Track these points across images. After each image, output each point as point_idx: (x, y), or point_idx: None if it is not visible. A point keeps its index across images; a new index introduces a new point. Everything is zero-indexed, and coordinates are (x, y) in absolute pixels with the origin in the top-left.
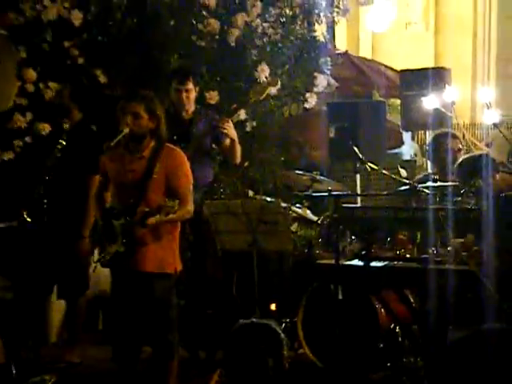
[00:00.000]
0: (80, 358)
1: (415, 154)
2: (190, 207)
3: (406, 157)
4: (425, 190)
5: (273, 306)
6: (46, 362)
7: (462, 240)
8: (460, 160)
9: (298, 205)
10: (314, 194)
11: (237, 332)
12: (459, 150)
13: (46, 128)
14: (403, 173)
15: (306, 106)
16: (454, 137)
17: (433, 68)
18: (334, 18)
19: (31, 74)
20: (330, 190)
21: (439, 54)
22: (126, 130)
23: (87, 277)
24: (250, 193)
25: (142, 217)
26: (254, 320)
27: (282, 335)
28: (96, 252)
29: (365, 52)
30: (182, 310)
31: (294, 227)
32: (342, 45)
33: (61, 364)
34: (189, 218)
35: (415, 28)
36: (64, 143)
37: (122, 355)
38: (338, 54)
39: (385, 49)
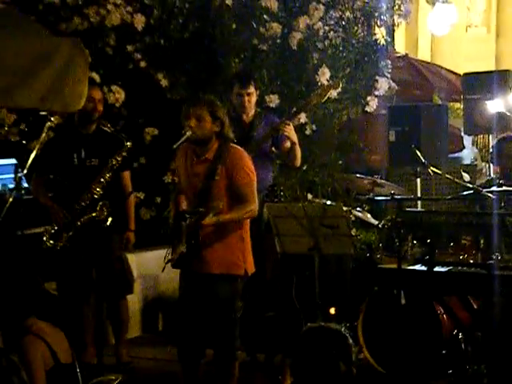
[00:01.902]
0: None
1: (475, 159)
2: (254, 206)
3: (467, 161)
4: (489, 194)
5: (332, 310)
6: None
7: None
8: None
9: (358, 208)
10: (377, 198)
11: (306, 336)
12: None
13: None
14: (466, 177)
15: (367, 109)
16: None
17: (497, 71)
18: (394, 20)
19: (95, 77)
20: (393, 194)
21: (500, 57)
22: (189, 134)
23: (131, 276)
24: (310, 196)
25: (197, 218)
26: (323, 324)
27: (351, 340)
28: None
29: (424, 55)
30: (243, 312)
31: (353, 231)
32: (400, 48)
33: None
34: (253, 216)
35: (476, 31)
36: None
37: (186, 356)
38: (399, 56)
39: (444, 51)
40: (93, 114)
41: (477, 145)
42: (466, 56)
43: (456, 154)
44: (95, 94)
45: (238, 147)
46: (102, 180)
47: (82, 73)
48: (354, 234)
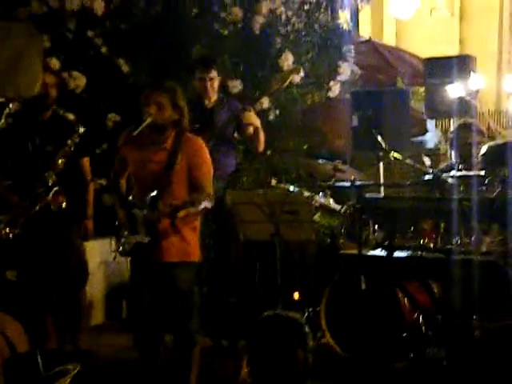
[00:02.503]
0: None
1: (439, 142)
2: (211, 196)
3: (430, 145)
4: (449, 179)
5: (296, 296)
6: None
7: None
8: (485, 148)
9: (321, 194)
10: (337, 184)
11: (262, 324)
12: (481, 142)
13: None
14: (427, 161)
15: (330, 94)
16: (477, 129)
17: (457, 56)
18: (357, 5)
19: (54, 63)
20: (353, 180)
21: (464, 40)
22: (149, 120)
23: (86, 265)
24: (273, 181)
25: (172, 210)
26: (279, 312)
27: (307, 328)
28: (112, 241)
29: (389, 39)
30: (206, 297)
31: (317, 216)
32: (365, 32)
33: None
34: (210, 207)
35: (440, 14)
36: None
37: (144, 343)
38: (362, 41)
39: (409, 35)
40: (45, 99)
41: (441, 128)
42: (431, 39)
43: (420, 138)
44: (47, 78)
45: (197, 137)
46: (55, 167)
47: (35, 58)
48: (317, 219)
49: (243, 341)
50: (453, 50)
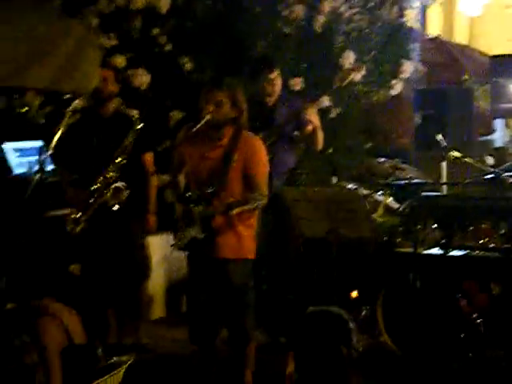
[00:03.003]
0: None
1: (509, 141)
2: (265, 196)
3: (499, 144)
4: (511, 178)
5: (354, 294)
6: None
7: None
8: None
9: (380, 192)
10: (394, 182)
11: (307, 320)
12: None
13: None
14: (490, 160)
15: (392, 92)
16: None
17: None
18: (425, 2)
19: (121, 60)
20: (410, 178)
21: None
22: (208, 117)
23: (148, 261)
24: (334, 179)
25: (226, 207)
26: (324, 308)
27: (351, 324)
28: (171, 236)
29: (460, 37)
30: (264, 294)
31: (378, 214)
32: (436, 30)
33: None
34: (263, 206)
35: None
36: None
37: (200, 337)
38: (429, 39)
39: (482, 33)
40: (101, 94)
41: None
42: (506, 37)
43: (489, 137)
44: (105, 74)
45: (254, 135)
46: (116, 162)
47: (93, 54)
48: (377, 218)
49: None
50: None
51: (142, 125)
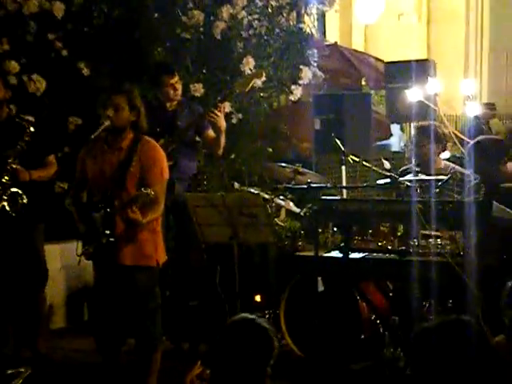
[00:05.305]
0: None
1: (405, 146)
2: (162, 206)
3: (395, 148)
4: (406, 182)
5: (257, 298)
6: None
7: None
8: (477, 140)
9: (281, 197)
10: (293, 187)
11: (230, 329)
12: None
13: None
14: (387, 165)
15: (291, 98)
16: (435, 132)
17: (416, 60)
18: (322, 9)
19: (14, 65)
20: (310, 183)
21: (431, 45)
22: (107, 123)
23: (46, 269)
24: (236, 185)
25: (121, 207)
26: (254, 319)
27: (276, 342)
28: (79, 245)
29: (357, 43)
30: (167, 301)
31: (280, 219)
32: (334, 36)
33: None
34: (160, 214)
35: (408, 19)
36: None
37: (106, 346)
38: (327, 45)
39: (378, 40)
40: None
41: (406, 132)
42: (399, 44)
43: (386, 142)
44: None
45: (154, 141)
46: (9, 168)
47: None
48: (279, 222)
49: (204, 344)
50: (421, 55)
51: (32, 129)
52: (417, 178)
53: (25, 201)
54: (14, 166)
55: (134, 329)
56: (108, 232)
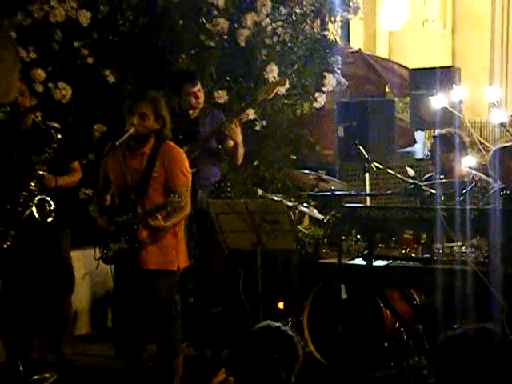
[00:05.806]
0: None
1: (429, 152)
2: (184, 199)
3: (419, 156)
4: (430, 189)
5: (280, 305)
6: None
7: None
8: (498, 147)
9: (305, 204)
10: (317, 194)
11: (255, 336)
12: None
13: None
14: (410, 172)
15: (315, 105)
16: (459, 140)
17: (441, 67)
18: (347, 16)
19: (40, 73)
20: (333, 190)
21: (456, 52)
22: (132, 131)
23: (73, 275)
24: (260, 192)
25: (145, 213)
26: (279, 327)
27: (301, 351)
28: (97, 250)
29: (382, 50)
30: (190, 307)
31: (304, 226)
32: (358, 43)
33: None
34: (185, 212)
35: (432, 26)
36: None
37: (126, 352)
38: (352, 52)
39: (402, 47)
40: (19, 107)
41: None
42: (424, 51)
43: (410, 149)
44: (20, 87)
45: (176, 146)
46: (37, 175)
47: (11, 66)
48: (303, 229)
49: (227, 350)
50: (445, 62)
51: (60, 136)
52: (439, 184)
53: (52, 207)
54: (42, 173)
55: (155, 334)
56: (128, 237)
